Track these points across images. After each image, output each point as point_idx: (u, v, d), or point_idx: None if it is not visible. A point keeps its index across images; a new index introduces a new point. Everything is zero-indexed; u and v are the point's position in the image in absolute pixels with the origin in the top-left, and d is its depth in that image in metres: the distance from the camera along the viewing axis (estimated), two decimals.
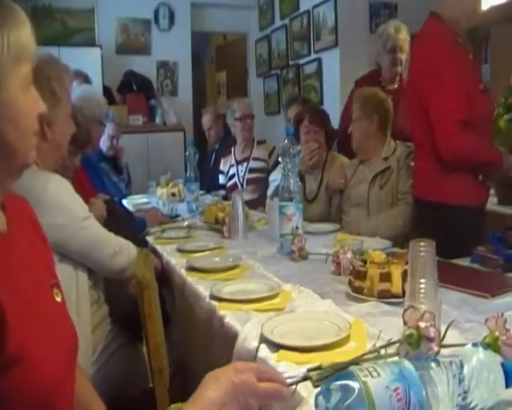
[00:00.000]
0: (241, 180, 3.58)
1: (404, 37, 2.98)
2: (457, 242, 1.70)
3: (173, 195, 3.22)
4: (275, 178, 2.81)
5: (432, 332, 0.84)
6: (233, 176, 3.64)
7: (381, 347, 0.92)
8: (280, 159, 1.84)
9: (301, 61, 5.31)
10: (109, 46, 5.59)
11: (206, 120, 4.36)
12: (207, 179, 4.08)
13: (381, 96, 2.47)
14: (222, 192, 3.62)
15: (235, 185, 3.59)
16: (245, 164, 3.60)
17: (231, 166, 3.67)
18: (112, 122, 3.50)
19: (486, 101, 2.02)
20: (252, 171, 3.53)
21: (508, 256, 1.48)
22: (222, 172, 3.75)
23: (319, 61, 5.00)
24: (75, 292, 1.49)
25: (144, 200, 3.47)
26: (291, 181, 1.77)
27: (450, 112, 1.93)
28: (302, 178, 2.50)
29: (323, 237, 2.02)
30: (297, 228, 1.75)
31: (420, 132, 2.09)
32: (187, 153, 3.00)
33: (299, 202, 1.77)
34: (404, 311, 0.89)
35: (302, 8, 5.22)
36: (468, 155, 1.95)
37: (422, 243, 1.00)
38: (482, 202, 2.07)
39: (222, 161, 3.77)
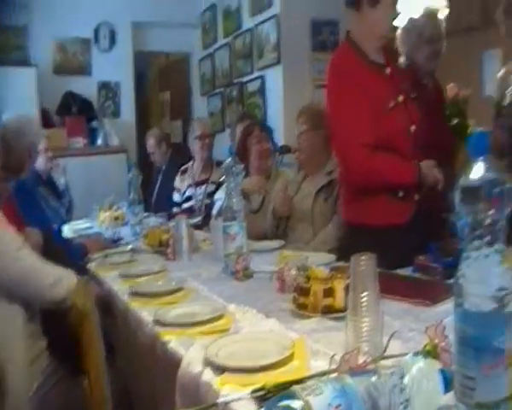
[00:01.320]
0: (200, 204, 3.47)
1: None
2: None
3: (116, 219, 3.14)
4: (219, 197, 2.80)
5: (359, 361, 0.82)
6: (190, 198, 3.53)
7: (322, 373, 0.90)
8: (224, 178, 1.83)
9: (244, 79, 5.34)
10: (46, 66, 5.38)
11: (150, 144, 4.36)
12: (154, 200, 4.01)
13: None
14: (176, 209, 3.51)
15: (191, 209, 3.46)
16: (203, 187, 3.50)
17: (189, 185, 3.57)
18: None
19: (401, 114, 1.92)
20: (210, 195, 3.40)
21: (446, 264, 1.52)
22: (178, 190, 3.63)
23: (262, 78, 5.05)
24: (12, 327, 1.42)
25: (87, 224, 3.36)
26: (234, 200, 1.75)
27: (354, 137, 1.86)
28: (246, 195, 2.49)
29: (269, 255, 2.01)
30: (241, 247, 1.73)
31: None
32: (130, 175, 2.94)
33: (242, 221, 1.76)
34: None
35: (245, 27, 5.27)
36: (379, 179, 1.89)
37: (363, 258, 1.01)
38: (406, 220, 1.92)
39: (178, 178, 3.65)
